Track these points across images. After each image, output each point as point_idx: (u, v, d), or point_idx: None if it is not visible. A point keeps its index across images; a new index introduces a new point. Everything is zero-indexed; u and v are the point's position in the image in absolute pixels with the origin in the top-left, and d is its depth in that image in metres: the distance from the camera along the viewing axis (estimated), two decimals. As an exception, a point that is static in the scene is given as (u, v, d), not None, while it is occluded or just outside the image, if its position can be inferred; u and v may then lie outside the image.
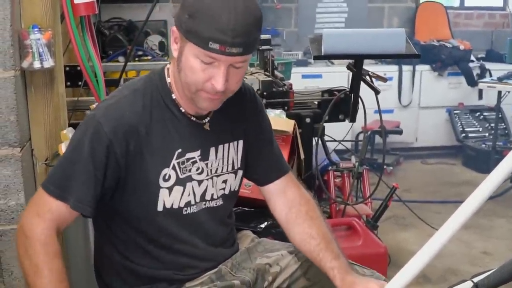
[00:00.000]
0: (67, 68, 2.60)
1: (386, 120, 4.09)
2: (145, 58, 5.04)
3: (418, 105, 5.87)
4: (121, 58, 4.68)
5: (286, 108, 2.83)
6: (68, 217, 1.40)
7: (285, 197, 1.69)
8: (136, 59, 4.89)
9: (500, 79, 4.92)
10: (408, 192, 4.56)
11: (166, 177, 1.46)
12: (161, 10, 5.48)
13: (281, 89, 2.92)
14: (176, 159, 1.47)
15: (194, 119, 1.51)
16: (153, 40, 5.35)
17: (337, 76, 4.78)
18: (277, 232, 1.89)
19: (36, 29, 1.89)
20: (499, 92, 4.80)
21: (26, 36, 1.89)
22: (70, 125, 2.19)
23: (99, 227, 1.59)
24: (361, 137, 4.86)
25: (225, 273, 1.61)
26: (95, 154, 1.37)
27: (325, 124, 2.93)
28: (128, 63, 3.55)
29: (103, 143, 1.37)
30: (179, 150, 1.47)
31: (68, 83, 2.63)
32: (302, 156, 2.59)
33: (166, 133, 1.46)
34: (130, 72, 4.13)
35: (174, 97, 1.48)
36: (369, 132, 3.67)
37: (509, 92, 4.74)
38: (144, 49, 5.18)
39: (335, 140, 3.34)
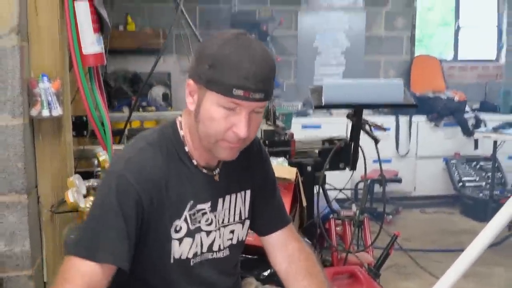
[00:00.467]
0: (73, 119, 2.60)
1: (385, 170, 4.04)
2: (149, 108, 5.09)
3: (415, 154, 5.88)
4: (125, 108, 4.72)
5: (288, 156, 2.82)
6: (102, 277, 1.30)
7: (285, 250, 1.66)
8: (140, 109, 4.93)
9: (495, 129, 4.94)
10: (408, 241, 4.50)
11: (177, 229, 1.44)
12: (165, 62, 5.53)
13: (282, 138, 2.92)
14: (188, 211, 1.45)
15: (205, 171, 1.50)
16: (157, 91, 5.42)
17: (335, 126, 4.78)
18: (279, 280, 1.85)
19: (45, 78, 1.90)
20: (495, 142, 4.80)
21: (35, 85, 1.89)
22: (76, 173, 2.18)
23: None
24: (360, 185, 4.87)
25: None
26: (124, 208, 1.32)
27: (326, 173, 2.92)
28: (133, 114, 3.58)
29: (131, 196, 1.33)
30: (191, 202, 1.46)
31: (74, 133, 2.62)
32: (304, 204, 2.57)
33: (181, 185, 1.44)
34: (134, 122, 4.15)
35: (187, 150, 1.47)
36: (369, 181, 3.65)
37: (504, 141, 4.74)
38: (148, 100, 5.23)
39: (335, 189, 3.31)
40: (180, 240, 1.45)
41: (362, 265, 2.96)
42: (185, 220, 1.45)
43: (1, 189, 1.88)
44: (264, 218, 1.67)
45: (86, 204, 1.82)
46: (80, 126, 2.71)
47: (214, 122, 1.35)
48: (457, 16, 6.71)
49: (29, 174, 1.94)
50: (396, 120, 5.73)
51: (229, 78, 1.29)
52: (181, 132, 1.47)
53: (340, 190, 3.23)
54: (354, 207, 3.47)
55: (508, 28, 6.67)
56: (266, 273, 2.30)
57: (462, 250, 4.62)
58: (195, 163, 1.47)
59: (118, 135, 3.28)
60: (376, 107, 3.81)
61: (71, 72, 2.13)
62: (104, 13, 2.03)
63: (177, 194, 1.43)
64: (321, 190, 2.97)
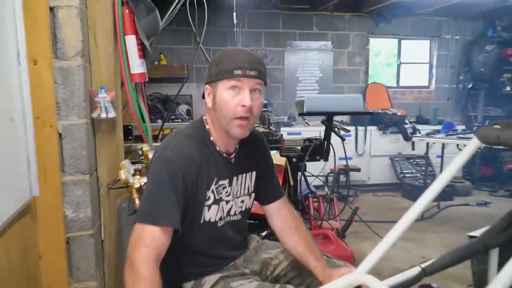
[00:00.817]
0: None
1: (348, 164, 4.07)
2: (177, 120, 5.08)
3: (369, 154, 5.86)
4: (159, 121, 4.70)
5: (279, 151, 2.80)
6: (167, 239, 1.29)
7: (280, 215, 1.66)
8: (170, 121, 4.92)
9: (427, 134, 4.93)
10: (365, 215, 4.48)
11: (207, 198, 1.42)
12: (188, 88, 5.56)
13: (275, 137, 2.90)
14: (214, 185, 1.44)
15: (225, 155, 1.48)
16: (182, 108, 5.41)
17: (311, 133, 4.78)
18: (273, 239, 1.85)
19: (103, 90, 1.87)
20: (427, 144, 4.79)
21: (95, 95, 1.87)
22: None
23: None
24: (330, 176, 4.85)
25: (239, 265, 1.57)
26: (175, 184, 1.31)
27: (306, 163, 2.90)
28: (165, 124, 3.56)
29: (179, 175, 1.32)
30: (216, 179, 1.44)
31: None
32: (292, 183, 2.55)
33: (209, 166, 1.42)
34: (166, 130, 4.14)
35: (212, 139, 1.46)
36: (337, 170, 3.62)
37: (434, 143, 4.73)
38: (176, 115, 5.22)
39: (313, 175, 3.29)
40: (209, 206, 1.43)
41: (332, 229, 2.94)
42: (212, 191, 1.43)
43: (70, 170, 1.84)
44: (265, 192, 1.66)
45: (134, 180, 1.78)
46: (127, 132, 2.70)
47: (226, 103, 1.35)
48: (399, 56, 6.71)
49: (91, 160, 1.91)
50: (355, 129, 5.71)
51: (230, 65, 1.34)
52: (207, 126, 1.46)
53: (316, 176, 3.21)
54: (326, 189, 3.46)
55: (436, 63, 6.68)
56: (263, 234, 2.27)
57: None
58: (218, 149, 1.46)
59: (154, 139, 3.27)
60: (343, 114, 3.78)
61: (123, 88, 2.12)
62: (146, 44, 2.01)
63: (207, 172, 1.41)
64: (303, 177, 2.96)
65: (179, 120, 5.12)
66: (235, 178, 1.52)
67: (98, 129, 1.97)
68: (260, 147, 1.64)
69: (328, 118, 2.76)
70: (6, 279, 1.45)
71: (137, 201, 1.76)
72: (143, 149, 1.98)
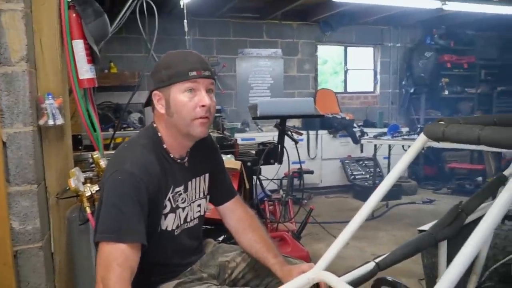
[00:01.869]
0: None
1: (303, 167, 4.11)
2: (129, 129, 4.96)
3: (321, 157, 5.95)
4: (111, 129, 4.56)
5: (233, 155, 2.79)
6: (138, 256, 1.21)
7: (234, 214, 1.63)
8: (122, 129, 4.80)
9: (375, 137, 5.08)
10: (318, 217, 4.51)
11: (164, 206, 1.37)
12: (140, 95, 5.40)
13: (229, 142, 2.89)
14: (171, 193, 1.39)
15: (179, 160, 1.44)
16: (134, 117, 5.27)
17: (265, 138, 4.80)
18: (230, 243, 1.84)
19: (50, 96, 1.79)
20: (375, 145, 4.94)
21: (42, 101, 1.78)
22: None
23: None
24: (284, 180, 4.87)
25: (196, 270, 1.53)
26: (139, 198, 1.24)
27: (261, 167, 2.90)
28: (116, 133, 3.46)
29: (142, 188, 1.25)
30: (172, 187, 1.39)
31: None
32: (248, 186, 2.54)
33: (165, 175, 1.36)
34: (117, 139, 4.03)
35: (165, 147, 1.40)
36: (291, 173, 3.65)
37: (381, 145, 4.88)
38: (128, 123, 5.10)
39: (267, 179, 3.30)
40: (166, 215, 1.38)
41: (288, 231, 2.96)
42: (169, 199, 1.38)
43: (16, 180, 1.74)
44: (219, 192, 1.63)
45: (85, 189, 1.71)
46: (77, 142, 2.58)
47: (184, 106, 1.32)
48: (346, 62, 6.90)
49: (38, 169, 1.82)
50: (307, 133, 5.77)
51: (183, 67, 1.31)
52: (159, 134, 1.41)
53: (271, 180, 3.22)
54: (281, 192, 3.48)
55: (380, 69, 6.93)
56: (220, 238, 2.24)
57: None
58: (171, 156, 1.42)
59: (105, 148, 3.16)
60: (295, 117, 3.77)
61: (71, 96, 2.03)
62: (95, 48, 1.94)
63: (164, 181, 1.36)
64: (258, 181, 2.95)
65: (131, 129, 5.00)
66: (189, 183, 1.48)
67: (45, 136, 1.88)
68: (211, 148, 1.61)
69: (281, 122, 2.78)
70: None
71: (88, 210, 1.69)
72: (94, 156, 1.90)
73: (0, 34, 1.65)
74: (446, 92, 6.80)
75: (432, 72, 6.61)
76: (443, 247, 1.72)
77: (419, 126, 5.27)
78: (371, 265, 1.52)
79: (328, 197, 5.80)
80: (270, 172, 3.37)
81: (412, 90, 6.69)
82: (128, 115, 5.26)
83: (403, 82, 6.82)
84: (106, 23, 1.92)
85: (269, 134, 5.14)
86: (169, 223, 1.40)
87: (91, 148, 2.83)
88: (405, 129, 5.53)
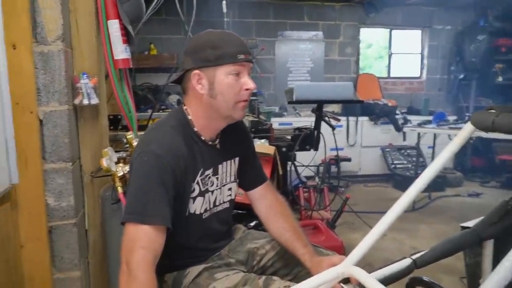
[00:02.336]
0: (111, 117, 2.52)
1: (341, 154, 4.04)
2: (167, 110, 5.03)
3: (360, 144, 5.83)
4: (150, 110, 4.64)
5: (268, 140, 2.77)
6: (163, 239, 1.22)
7: (265, 200, 1.61)
8: (161, 111, 4.87)
9: (419, 124, 4.91)
10: (355, 205, 4.45)
11: (192, 190, 1.37)
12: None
13: (264, 127, 2.86)
14: (200, 176, 1.38)
15: (210, 143, 1.43)
16: (173, 98, 5.33)
17: (302, 123, 4.75)
18: (261, 229, 1.82)
19: (85, 76, 1.83)
20: (419, 134, 4.76)
21: (77, 80, 1.82)
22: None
23: None
24: (321, 167, 4.82)
25: (224, 255, 1.53)
26: (165, 180, 1.23)
27: (296, 153, 2.86)
28: (155, 114, 3.50)
29: (168, 170, 1.24)
30: (201, 170, 1.38)
31: (111, 127, 2.55)
32: (281, 172, 2.51)
33: (194, 157, 1.35)
34: (156, 119, 4.09)
35: (196, 130, 1.39)
36: (328, 160, 3.59)
37: (425, 133, 4.71)
38: (167, 104, 5.16)
39: (303, 165, 3.26)
40: (194, 198, 1.38)
41: (322, 220, 2.92)
42: (197, 183, 1.38)
43: (52, 158, 1.80)
44: (248, 177, 1.61)
45: (117, 168, 1.74)
46: (116, 122, 2.64)
47: (230, 88, 1.31)
48: (390, 46, 6.68)
49: (73, 147, 1.86)
50: (347, 120, 5.67)
51: (231, 49, 1.29)
52: (189, 117, 1.38)
53: (306, 166, 3.18)
54: (317, 179, 3.44)
55: (428, 53, 6.67)
56: (252, 224, 2.24)
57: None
58: (203, 138, 1.40)
59: (143, 128, 3.23)
60: (333, 103, 3.65)
61: (108, 79, 2.06)
62: (130, 28, 1.95)
63: (193, 164, 1.35)
64: (292, 167, 2.92)
65: (169, 110, 5.08)
66: (220, 166, 1.47)
67: (80, 116, 1.93)
68: (242, 132, 1.59)
69: (318, 107, 2.72)
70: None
71: (119, 190, 1.72)
72: (128, 136, 1.93)
73: (36, 13, 1.69)
74: (500, 79, 6.43)
75: (484, 57, 6.27)
76: (489, 246, 1.62)
77: (467, 114, 5.04)
78: (407, 262, 1.46)
79: (367, 185, 5.70)
80: (306, 159, 3.33)
81: (461, 76, 6.39)
82: (166, 96, 5.33)
83: (452, 67, 6.53)
84: (141, 3, 1.93)
85: (307, 119, 5.06)
86: (197, 206, 1.40)
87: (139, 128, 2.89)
88: (452, 118, 5.30)
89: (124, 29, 1.94)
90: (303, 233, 1.54)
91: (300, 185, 3.26)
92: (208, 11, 4.87)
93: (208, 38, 1.31)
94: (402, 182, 5.42)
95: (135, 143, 1.87)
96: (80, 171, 1.95)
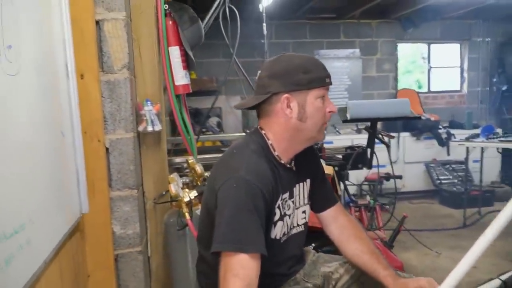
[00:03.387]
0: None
1: (383, 171, 3.89)
2: (208, 133, 5.03)
3: (403, 161, 5.67)
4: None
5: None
6: (258, 266, 1.17)
7: (337, 222, 1.54)
8: (201, 134, 4.88)
9: (467, 139, 4.73)
10: (404, 224, 4.31)
11: (274, 214, 1.32)
12: (218, 100, 5.47)
13: (316, 146, 2.79)
14: (280, 200, 1.33)
15: (288, 165, 1.39)
16: (213, 121, 5.34)
17: (342, 142, 4.68)
18: (323, 250, 1.74)
19: (149, 102, 1.81)
20: (467, 148, 4.58)
21: (141, 108, 1.80)
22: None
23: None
24: (364, 184, 4.67)
25: (299, 280, 1.49)
26: (257, 206, 1.20)
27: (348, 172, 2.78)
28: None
29: (259, 195, 1.20)
30: (281, 194, 1.34)
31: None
32: (340, 192, 2.44)
33: (275, 181, 1.30)
34: (198, 143, 4.10)
35: (276, 154, 1.35)
36: (379, 177, 3.47)
37: (474, 147, 4.53)
38: (207, 127, 5.18)
39: (354, 184, 3.17)
40: (275, 223, 1.33)
41: (377, 239, 2.80)
42: (278, 207, 1.33)
43: (118, 186, 1.77)
44: (320, 199, 1.55)
45: (183, 194, 1.70)
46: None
47: (319, 111, 1.30)
48: (429, 60, 6.53)
49: (138, 174, 1.84)
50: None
51: (321, 73, 1.30)
52: (269, 142, 1.35)
53: (360, 185, 3.08)
54: (368, 197, 3.32)
55: (468, 66, 6.48)
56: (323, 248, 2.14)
57: (444, 229, 4.45)
58: (282, 162, 1.36)
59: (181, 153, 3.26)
60: (388, 120, 3.47)
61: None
62: (191, 54, 1.94)
63: (276, 188, 1.30)
64: (344, 186, 2.84)
65: (210, 133, 5.08)
66: (295, 189, 1.43)
67: (143, 142, 1.91)
68: (312, 153, 1.55)
69: (372, 125, 2.64)
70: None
71: (187, 216, 1.68)
72: (189, 161, 1.90)
73: (102, 43, 1.69)
74: (543, 89, 6.19)
75: (527, 67, 6.05)
76: None
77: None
78: (496, 283, 1.37)
79: (412, 202, 5.51)
80: (352, 177, 3.23)
81: (504, 88, 6.17)
82: (207, 119, 5.36)
83: (494, 79, 6.31)
84: (200, 28, 1.93)
85: (347, 137, 4.99)
86: (277, 231, 1.34)
87: (178, 152, 2.88)
88: (498, 130, 5.10)
89: (184, 55, 1.94)
90: (381, 255, 1.46)
91: (351, 204, 3.16)
92: (247, 34, 4.88)
93: (300, 63, 1.30)
94: (449, 198, 5.23)
95: (198, 168, 1.83)
96: (143, 197, 1.92)
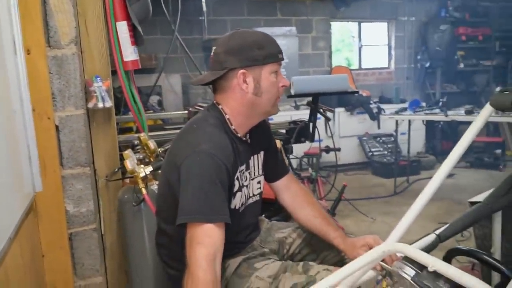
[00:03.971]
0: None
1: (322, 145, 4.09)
2: (148, 111, 4.94)
3: (339, 135, 5.93)
4: (130, 113, 4.57)
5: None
6: (221, 235, 1.23)
7: (289, 190, 1.65)
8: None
9: (396, 112, 5.05)
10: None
11: (234, 185, 1.38)
12: (159, 79, 5.39)
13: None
14: (239, 172, 1.40)
15: (244, 138, 1.45)
16: (154, 99, 5.25)
17: (281, 118, 4.80)
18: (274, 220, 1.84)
19: (98, 79, 1.78)
20: (396, 121, 4.91)
21: (91, 84, 1.77)
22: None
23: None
24: (304, 157, 4.86)
25: (257, 246, 1.57)
26: (220, 177, 1.25)
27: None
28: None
29: (223, 170, 1.26)
30: (239, 166, 1.40)
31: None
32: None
33: (235, 154, 1.36)
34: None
35: (233, 128, 1.40)
36: (320, 151, 3.64)
37: (403, 120, 4.86)
38: (147, 106, 5.08)
39: (296, 157, 3.31)
40: (235, 194, 1.39)
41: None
42: (237, 178, 1.39)
43: (70, 164, 1.75)
44: (272, 169, 1.63)
45: (139, 170, 1.71)
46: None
47: (274, 85, 1.36)
48: (360, 38, 6.83)
49: (89, 152, 1.82)
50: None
51: (273, 49, 1.35)
52: (226, 116, 1.40)
53: (300, 158, 3.23)
54: (310, 170, 3.49)
55: (395, 44, 6.86)
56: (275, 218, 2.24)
57: (377, 197, 4.73)
58: (239, 135, 1.42)
59: (127, 131, 3.21)
60: (330, 94, 3.59)
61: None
62: (139, 28, 1.92)
63: (235, 160, 1.36)
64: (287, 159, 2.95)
65: (151, 111, 4.99)
66: (250, 161, 1.49)
67: (93, 119, 1.88)
68: (265, 126, 1.62)
69: (313, 100, 2.76)
70: (23, 279, 1.37)
71: (144, 191, 1.70)
72: (141, 138, 1.90)
73: (48, 17, 1.64)
74: (462, 65, 6.72)
75: (447, 45, 6.52)
76: (498, 217, 1.73)
77: (441, 100, 5.20)
78: (432, 237, 1.53)
79: (347, 174, 5.81)
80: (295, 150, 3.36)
81: (427, 65, 6.62)
82: (147, 98, 5.24)
83: (418, 57, 6.75)
84: (148, 2, 1.91)
85: (286, 114, 5.13)
86: (237, 201, 1.41)
87: (124, 131, 2.83)
88: (423, 104, 5.49)
89: (132, 30, 1.91)
90: (331, 218, 1.59)
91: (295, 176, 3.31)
92: (185, 11, 4.81)
93: (254, 39, 1.34)
94: (381, 169, 5.56)
95: (150, 144, 1.84)
96: (95, 175, 1.91)
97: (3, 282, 1.17)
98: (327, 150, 3.46)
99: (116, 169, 1.95)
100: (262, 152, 1.57)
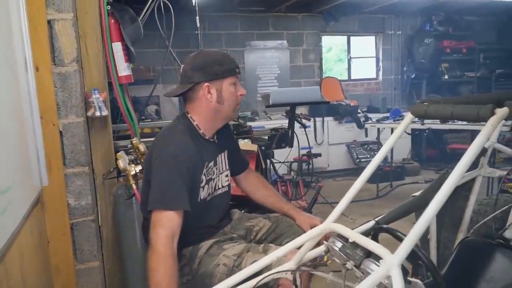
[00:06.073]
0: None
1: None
2: (146, 120, 5.24)
3: (327, 142, 6.20)
4: (129, 121, 4.86)
5: (249, 139, 3.07)
6: (180, 220, 1.50)
7: (248, 179, 1.99)
8: (140, 121, 5.07)
9: (378, 121, 5.32)
10: (328, 198, 4.78)
11: (201, 180, 1.67)
12: (156, 89, 5.64)
13: (245, 129, 3.17)
14: (205, 168, 1.69)
15: (211, 139, 1.75)
16: (151, 109, 5.55)
17: (274, 125, 5.07)
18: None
19: (96, 91, 2.07)
20: (378, 129, 5.18)
21: (90, 96, 2.06)
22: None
23: None
24: (294, 164, 5.13)
25: (227, 232, 1.84)
26: (181, 173, 1.54)
27: (274, 150, 3.18)
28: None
29: (183, 165, 1.55)
30: (206, 163, 1.69)
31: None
32: (264, 166, 2.82)
33: (200, 154, 1.65)
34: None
35: (201, 132, 1.70)
36: (301, 156, 3.92)
37: (384, 128, 5.13)
38: (145, 115, 5.38)
39: (280, 162, 3.58)
40: (203, 187, 1.68)
41: (300, 207, 3.24)
42: (204, 174, 1.68)
43: (71, 163, 2.03)
44: (236, 164, 1.94)
45: (130, 168, 2.00)
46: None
47: (233, 95, 1.66)
48: (349, 51, 7.13)
49: (88, 153, 2.11)
50: (314, 120, 5.99)
51: (231, 65, 1.65)
52: (194, 123, 1.70)
53: (283, 162, 3.51)
54: (292, 173, 3.77)
55: (382, 56, 7.16)
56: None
57: (360, 200, 4.96)
58: (207, 138, 1.72)
59: (127, 137, 3.47)
60: (304, 104, 3.89)
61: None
62: (132, 49, 2.22)
63: (201, 159, 1.65)
64: (270, 163, 3.24)
65: (149, 120, 5.28)
66: (218, 158, 1.79)
67: (91, 126, 2.17)
68: (228, 128, 1.94)
69: (291, 109, 3.05)
70: (33, 258, 1.65)
71: (134, 186, 1.99)
72: (133, 142, 2.20)
73: (54, 39, 1.94)
74: (446, 77, 7.02)
75: (432, 57, 6.83)
76: (432, 208, 2.01)
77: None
78: (371, 223, 1.83)
79: (336, 180, 6.06)
80: (281, 157, 3.66)
81: (413, 76, 6.92)
82: (145, 107, 5.53)
83: (405, 68, 7.05)
84: (140, 26, 2.21)
85: (277, 122, 5.41)
86: (204, 193, 1.71)
87: (121, 138, 3.12)
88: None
89: (125, 49, 2.21)
90: (283, 197, 1.96)
91: (278, 179, 3.59)
92: (182, 25, 5.10)
93: (215, 58, 1.65)
94: (367, 174, 5.80)
95: (141, 147, 2.13)
96: (93, 174, 2.19)
97: (19, 256, 1.46)
98: (308, 155, 3.72)
99: (112, 169, 2.24)
100: (227, 150, 1.88)
